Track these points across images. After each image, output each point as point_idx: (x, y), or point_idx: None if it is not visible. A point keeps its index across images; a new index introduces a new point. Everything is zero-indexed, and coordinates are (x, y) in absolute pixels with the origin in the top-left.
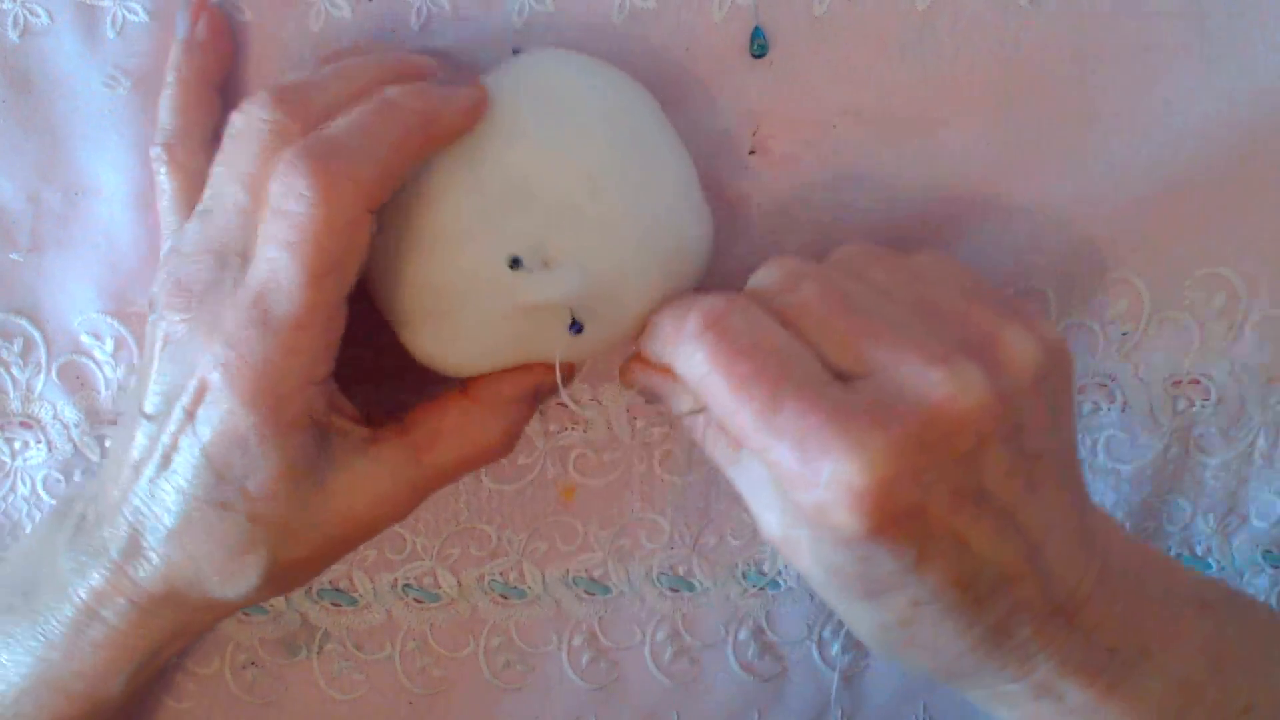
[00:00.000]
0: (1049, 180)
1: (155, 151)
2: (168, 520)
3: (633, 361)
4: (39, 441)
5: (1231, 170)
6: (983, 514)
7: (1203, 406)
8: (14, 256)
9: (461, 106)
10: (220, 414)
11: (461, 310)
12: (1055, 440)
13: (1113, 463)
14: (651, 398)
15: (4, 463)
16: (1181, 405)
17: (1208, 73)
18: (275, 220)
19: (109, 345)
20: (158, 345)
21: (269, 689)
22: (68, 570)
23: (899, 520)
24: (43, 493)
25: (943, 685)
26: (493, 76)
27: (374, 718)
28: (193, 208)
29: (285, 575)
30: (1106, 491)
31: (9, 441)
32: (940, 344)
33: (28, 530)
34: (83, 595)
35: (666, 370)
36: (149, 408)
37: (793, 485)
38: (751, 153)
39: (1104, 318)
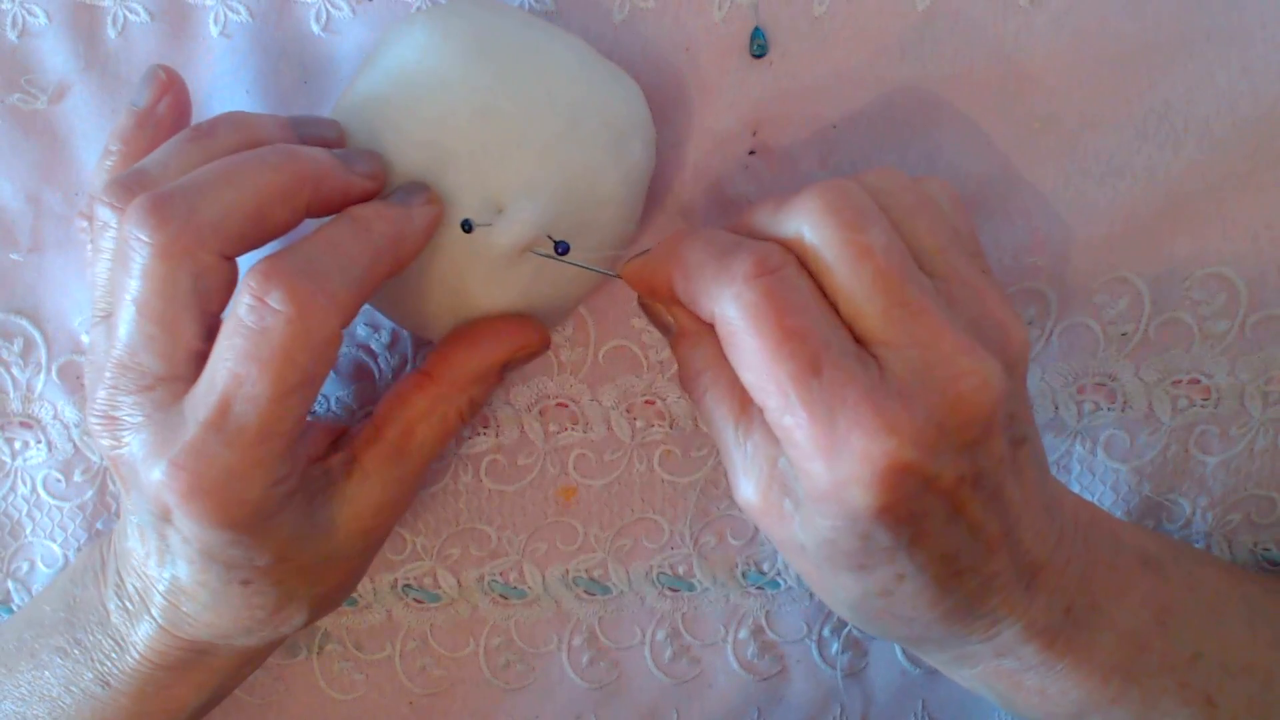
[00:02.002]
0: (1049, 180)
1: (82, 224)
2: (201, 598)
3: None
4: (39, 441)
5: (1231, 170)
6: (977, 496)
7: (1202, 406)
8: (14, 256)
9: (423, 225)
10: (195, 533)
11: (450, 288)
12: (1031, 423)
13: (1113, 462)
14: (661, 328)
15: (4, 463)
16: (1181, 405)
17: (1208, 73)
18: (243, 335)
19: None
20: (107, 459)
21: (269, 689)
22: (122, 626)
23: (908, 501)
24: (43, 493)
25: (940, 682)
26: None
27: (374, 718)
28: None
29: (326, 602)
30: (1106, 491)
31: (9, 441)
32: (967, 331)
33: (28, 531)
34: (142, 650)
35: (677, 304)
36: (134, 516)
37: (810, 455)
38: (751, 153)
39: (1104, 318)
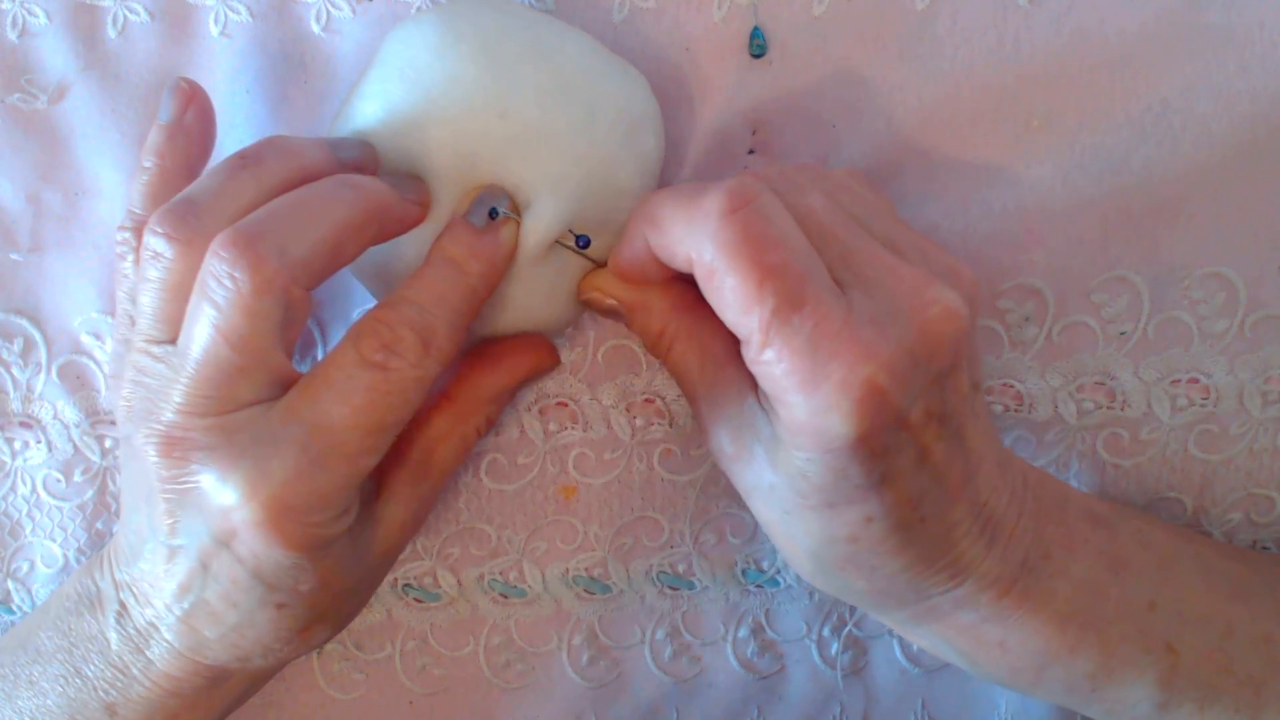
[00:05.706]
0: (1048, 180)
1: (123, 236)
2: (228, 620)
3: (595, 277)
4: (39, 441)
5: (1231, 170)
6: (944, 433)
7: (1201, 405)
8: (14, 256)
9: (509, 249)
10: (259, 555)
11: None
12: (983, 375)
13: (1112, 460)
14: (609, 314)
15: (4, 463)
16: (1181, 404)
17: (1206, 71)
18: (366, 378)
19: (109, 345)
20: (157, 483)
21: (269, 689)
22: (127, 655)
23: (883, 434)
24: (43, 492)
25: (940, 682)
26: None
27: (374, 718)
28: None
29: (346, 620)
30: (1104, 489)
31: (9, 441)
32: (924, 270)
33: (28, 531)
34: (155, 678)
35: (642, 280)
36: (177, 540)
37: (790, 388)
38: (751, 152)
39: (1103, 316)
